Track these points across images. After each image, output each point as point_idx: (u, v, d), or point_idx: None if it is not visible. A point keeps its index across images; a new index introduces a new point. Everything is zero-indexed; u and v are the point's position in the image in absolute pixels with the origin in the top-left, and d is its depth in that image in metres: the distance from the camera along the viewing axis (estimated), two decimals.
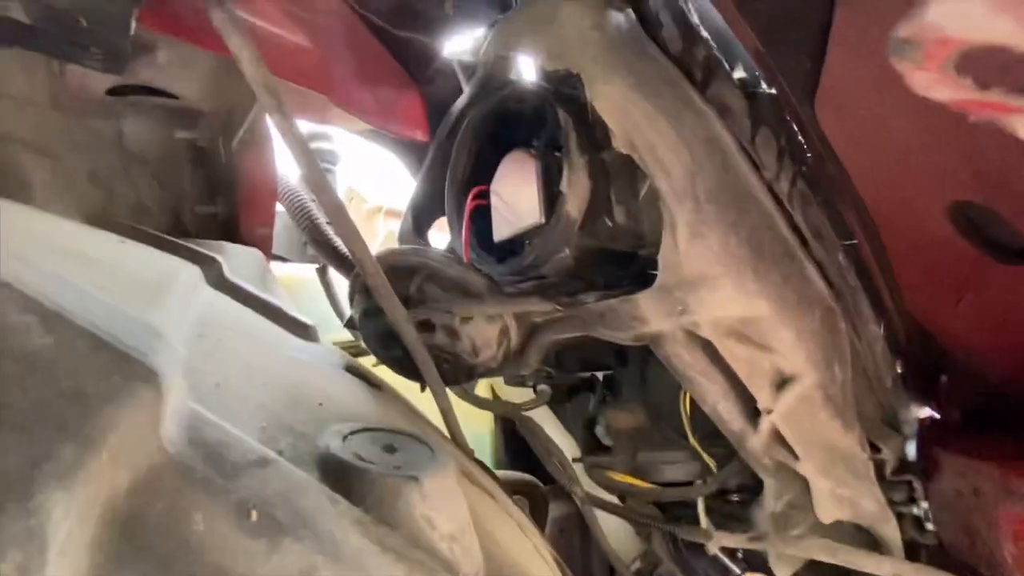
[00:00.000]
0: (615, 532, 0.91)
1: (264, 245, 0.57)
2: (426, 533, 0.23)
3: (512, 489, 0.96)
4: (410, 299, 0.44)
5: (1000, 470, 0.42)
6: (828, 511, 0.51)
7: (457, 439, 0.52)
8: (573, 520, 1.05)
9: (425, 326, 0.46)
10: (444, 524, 0.24)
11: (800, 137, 0.51)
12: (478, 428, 1.16)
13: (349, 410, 0.31)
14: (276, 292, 0.49)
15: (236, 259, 0.47)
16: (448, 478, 0.27)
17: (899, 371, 0.63)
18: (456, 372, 0.49)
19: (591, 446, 0.73)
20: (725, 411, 0.50)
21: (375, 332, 0.47)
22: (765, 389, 0.47)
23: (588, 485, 0.71)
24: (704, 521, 0.63)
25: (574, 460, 0.75)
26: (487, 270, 0.51)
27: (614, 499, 0.69)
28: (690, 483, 0.65)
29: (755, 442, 0.51)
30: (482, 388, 1.15)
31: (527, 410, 0.67)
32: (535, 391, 0.87)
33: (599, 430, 0.72)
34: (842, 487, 0.52)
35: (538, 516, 0.97)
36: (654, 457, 0.71)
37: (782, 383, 0.47)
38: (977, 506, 0.45)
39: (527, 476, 0.94)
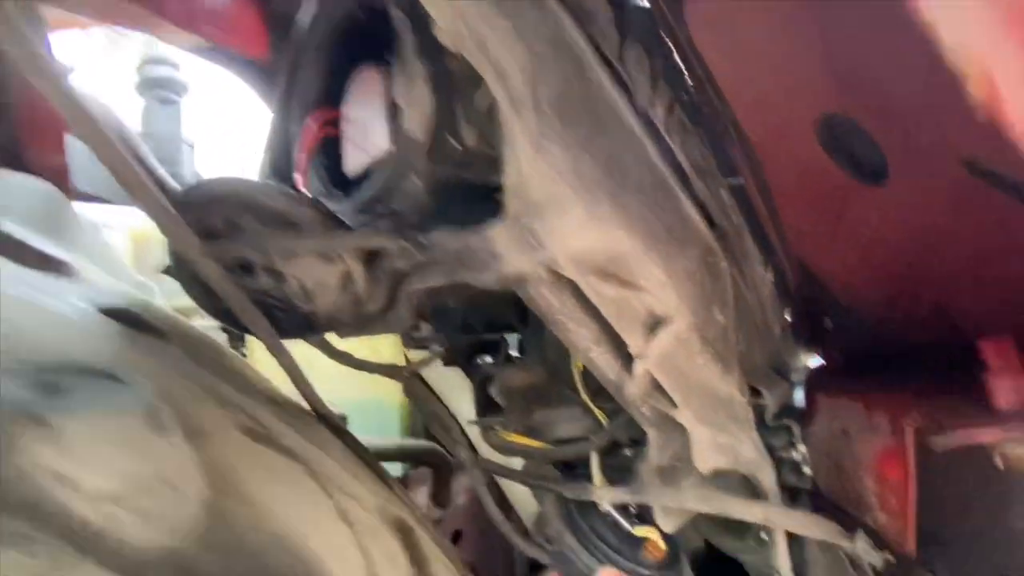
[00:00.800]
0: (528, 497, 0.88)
1: (59, 177, 0.47)
2: (55, 493, 0.17)
3: (415, 458, 0.92)
4: (216, 232, 0.37)
5: (864, 407, 0.41)
6: (707, 460, 0.49)
7: (310, 400, 0.46)
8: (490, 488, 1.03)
9: (246, 269, 0.39)
10: (94, 481, 0.18)
11: (680, 62, 0.47)
12: (388, 397, 1.10)
13: (41, 347, 0.24)
14: (68, 229, 0.41)
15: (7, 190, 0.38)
16: (119, 424, 0.20)
17: (788, 319, 0.62)
18: (292, 322, 0.43)
19: (486, 407, 0.69)
20: (599, 358, 0.46)
21: (189, 277, 0.39)
22: (636, 332, 0.44)
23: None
24: (598, 477, 0.61)
25: (470, 423, 0.72)
26: (335, 207, 0.44)
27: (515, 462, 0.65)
28: (583, 440, 0.63)
29: (632, 390, 0.48)
30: (392, 353, 1.09)
31: (413, 372, 0.62)
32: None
33: (493, 390, 0.68)
34: (722, 434, 0.50)
35: (442, 485, 0.94)
36: (549, 416, 0.68)
37: (654, 326, 0.44)
38: (845, 445, 0.43)
39: (430, 445, 0.90)
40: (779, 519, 0.45)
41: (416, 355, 0.92)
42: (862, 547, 0.43)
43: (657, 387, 0.49)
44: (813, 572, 0.50)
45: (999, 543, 0.36)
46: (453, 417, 0.60)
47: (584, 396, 0.62)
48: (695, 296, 0.46)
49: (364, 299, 0.46)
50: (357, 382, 1.09)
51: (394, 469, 1.07)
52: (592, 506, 0.62)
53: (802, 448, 0.53)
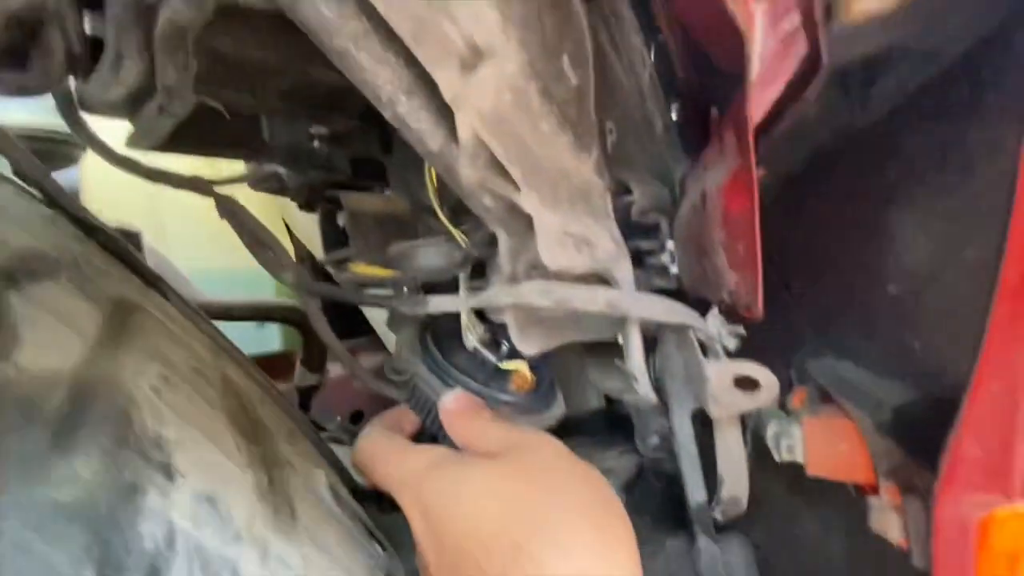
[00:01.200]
0: None
1: None
2: None
3: (274, 316, 0.83)
4: None
5: (717, 139, 0.34)
6: (555, 255, 0.42)
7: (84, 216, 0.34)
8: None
9: None
10: None
11: None
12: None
13: None
14: None
15: None
16: None
17: (674, 117, 0.55)
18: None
19: (336, 240, 0.60)
20: (412, 115, 0.37)
21: None
22: (450, 67, 0.34)
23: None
24: (466, 315, 0.54)
25: (318, 262, 0.62)
26: None
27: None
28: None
29: (466, 168, 0.40)
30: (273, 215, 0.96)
31: (223, 185, 0.51)
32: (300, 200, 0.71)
33: (341, 218, 0.59)
34: (573, 224, 0.42)
35: (312, 346, 0.86)
36: (409, 246, 0.59)
37: (474, 61, 0.34)
38: (703, 208, 0.36)
39: (292, 303, 0.81)
40: (627, 304, 0.39)
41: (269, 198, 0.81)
42: (714, 324, 0.38)
43: (495, 165, 0.40)
44: (669, 375, 0.45)
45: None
46: (275, 238, 0.50)
47: (440, 212, 0.53)
48: (531, 31, 0.36)
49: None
50: (232, 250, 0.97)
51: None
52: (457, 344, 0.55)
53: (670, 245, 0.46)
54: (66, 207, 0.36)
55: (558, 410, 0.58)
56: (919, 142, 0.29)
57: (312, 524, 0.31)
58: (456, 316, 0.55)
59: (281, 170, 0.70)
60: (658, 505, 0.65)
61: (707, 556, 0.46)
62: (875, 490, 0.40)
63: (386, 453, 0.43)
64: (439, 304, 0.46)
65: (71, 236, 0.34)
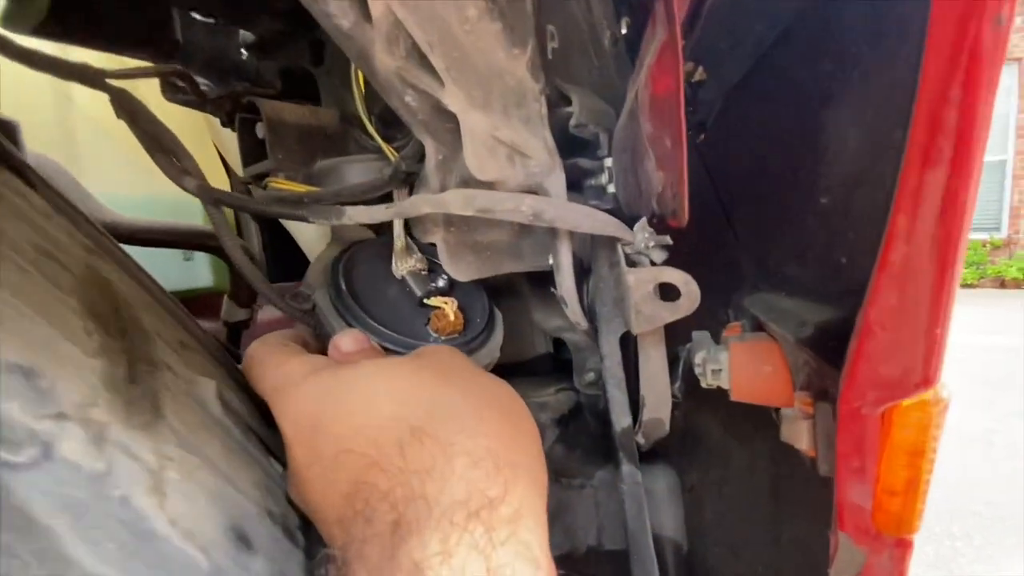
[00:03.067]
0: None
1: None
2: None
3: (188, 242, 0.77)
4: None
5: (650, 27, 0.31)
6: (483, 163, 0.39)
7: None
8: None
9: None
10: None
11: None
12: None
13: None
14: None
15: None
16: None
17: (623, 31, 0.51)
18: None
19: (258, 155, 0.55)
20: None
21: None
22: None
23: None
24: (399, 237, 0.50)
25: (235, 179, 0.57)
26: None
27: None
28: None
29: (382, 54, 0.36)
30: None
31: (117, 78, 0.45)
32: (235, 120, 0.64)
33: (261, 130, 0.54)
34: (503, 129, 0.39)
35: (240, 278, 0.81)
36: (335, 161, 0.55)
37: None
38: (636, 112, 0.34)
39: (208, 228, 0.75)
40: (552, 212, 0.36)
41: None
42: (640, 236, 0.36)
43: (416, 53, 0.36)
44: (600, 299, 0.44)
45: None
46: (178, 141, 0.45)
47: (367, 120, 0.49)
48: None
49: None
50: (154, 178, 0.89)
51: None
52: (379, 274, 0.51)
53: (608, 163, 0.44)
54: None
55: (487, 356, 0.51)
56: (854, 17, 0.27)
57: (185, 428, 0.27)
58: (387, 244, 0.51)
59: (201, 79, 0.63)
60: (591, 441, 0.65)
61: (630, 480, 0.45)
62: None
63: (268, 356, 0.38)
64: (355, 215, 0.42)
65: None
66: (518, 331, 0.76)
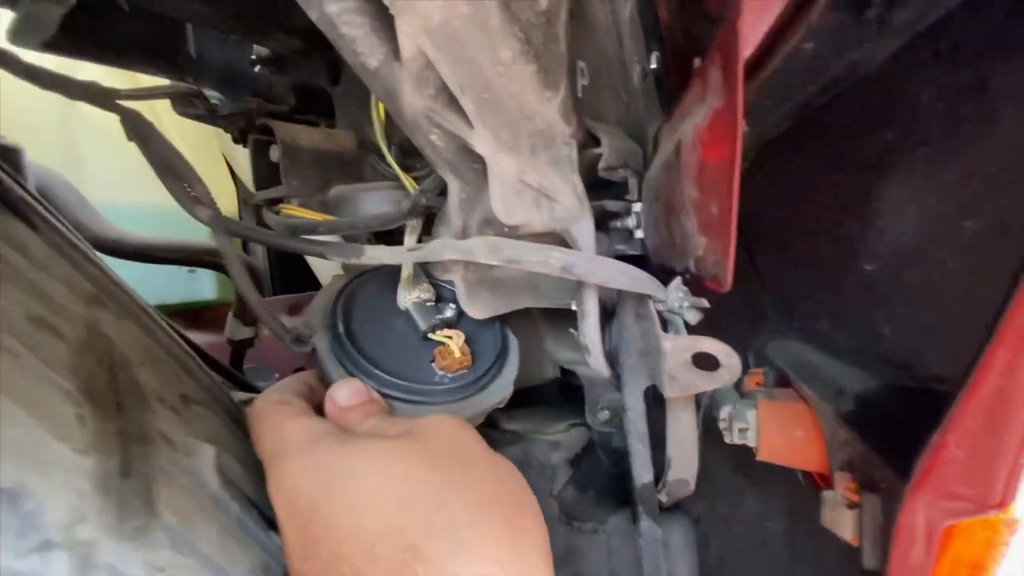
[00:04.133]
0: None
1: None
2: None
3: (192, 259, 0.75)
4: None
5: (698, 80, 0.29)
6: (510, 205, 0.37)
7: None
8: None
9: None
10: None
11: None
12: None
13: None
14: None
15: None
16: None
17: (653, 65, 0.49)
18: None
19: (270, 178, 0.53)
20: (344, 19, 0.30)
21: None
22: None
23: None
24: (407, 269, 0.48)
25: (247, 202, 0.55)
26: None
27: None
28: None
29: (410, 94, 0.34)
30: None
31: (131, 99, 0.44)
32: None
33: (274, 153, 0.52)
34: (532, 172, 0.37)
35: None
36: (351, 189, 0.53)
37: None
38: (675, 161, 0.32)
39: (211, 245, 0.73)
40: (583, 268, 0.35)
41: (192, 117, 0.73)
42: (675, 296, 0.34)
43: (445, 93, 0.35)
44: (624, 348, 0.42)
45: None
46: (190, 167, 0.43)
47: (386, 151, 0.47)
48: None
49: None
50: (159, 188, 0.87)
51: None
52: (389, 305, 0.49)
53: (637, 207, 0.42)
54: None
55: (498, 392, 0.48)
56: (928, 91, 0.25)
57: (179, 521, 0.25)
58: (392, 272, 0.49)
59: (212, 92, 0.62)
60: (604, 481, 0.64)
61: (648, 537, 0.43)
62: (826, 481, 0.38)
63: (268, 417, 0.36)
64: (376, 255, 0.41)
65: None
66: (527, 356, 0.74)
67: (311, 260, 0.82)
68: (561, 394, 0.75)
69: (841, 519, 0.29)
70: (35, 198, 0.33)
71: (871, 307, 0.35)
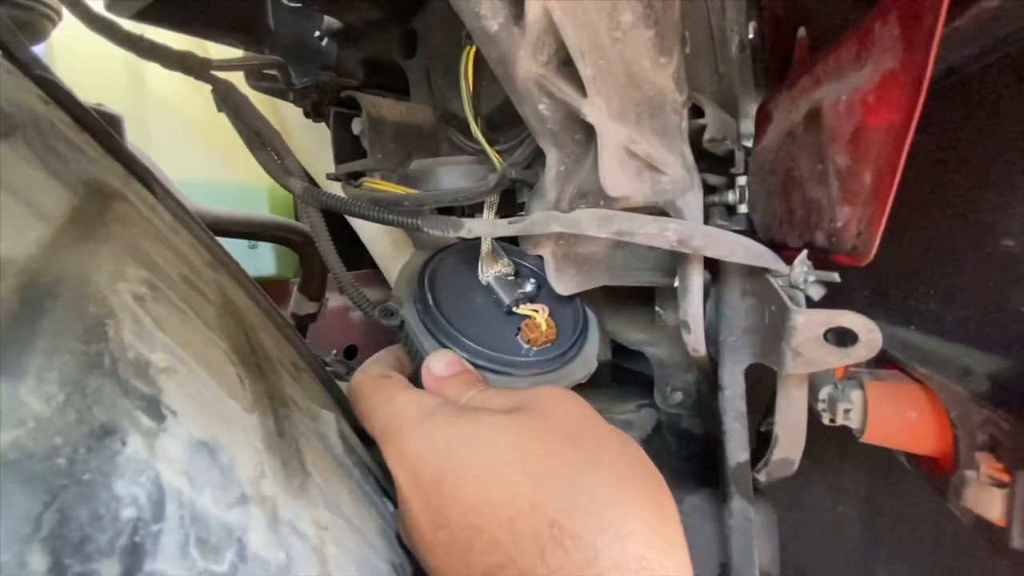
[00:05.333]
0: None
1: None
2: None
3: (268, 235, 0.76)
4: None
5: (856, 36, 0.27)
6: (616, 177, 0.36)
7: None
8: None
9: None
10: None
11: None
12: (258, 180, 0.89)
13: None
14: None
15: None
16: None
17: (752, 36, 0.47)
18: None
19: (351, 152, 0.53)
20: None
21: None
22: None
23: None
24: (487, 243, 0.47)
25: (329, 176, 0.55)
26: None
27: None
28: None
29: (527, 60, 0.33)
30: None
31: (222, 69, 0.43)
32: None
33: (357, 126, 0.51)
34: (641, 142, 0.36)
35: (310, 271, 0.80)
36: (433, 162, 0.52)
37: None
38: (807, 139, 0.30)
39: (287, 221, 0.74)
40: (700, 240, 0.33)
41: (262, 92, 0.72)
42: (800, 271, 0.33)
43: (560, 59, 0.33)
44: (727, 326, 0.41)
45: None
46: (281, 137, 0.42)
47: (474, 123, 0.46)
48: None
49: None
50: (223, 163, 0.88)
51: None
52: (471, 280, 0.48)
53: (742, 181, 0.41)
54: (27, 62, 0.28)
55: (583, 367, 0.47)
56: None
57: (323, 480, 0.25)
58: (471, 248, 0.49)
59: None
60: (673, 462, 0.63)
61: (740, 517, 0.43)
62: (944, 463, 0.37)
63: (375, 391, 0.36)
64: (476, 228, 0.40)
65: (32, 95, 0.26)
66: None
67: (366, 238, 0.82)
68: (615, 378, 0.75)
69: (987, 499, 0.28)
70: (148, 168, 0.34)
71: (1005, 285, 0.33)
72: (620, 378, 0.73)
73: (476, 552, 0.26)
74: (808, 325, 0.30)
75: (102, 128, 0.30)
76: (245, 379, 0.23)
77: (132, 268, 0.21)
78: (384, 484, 0.34)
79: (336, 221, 0.83)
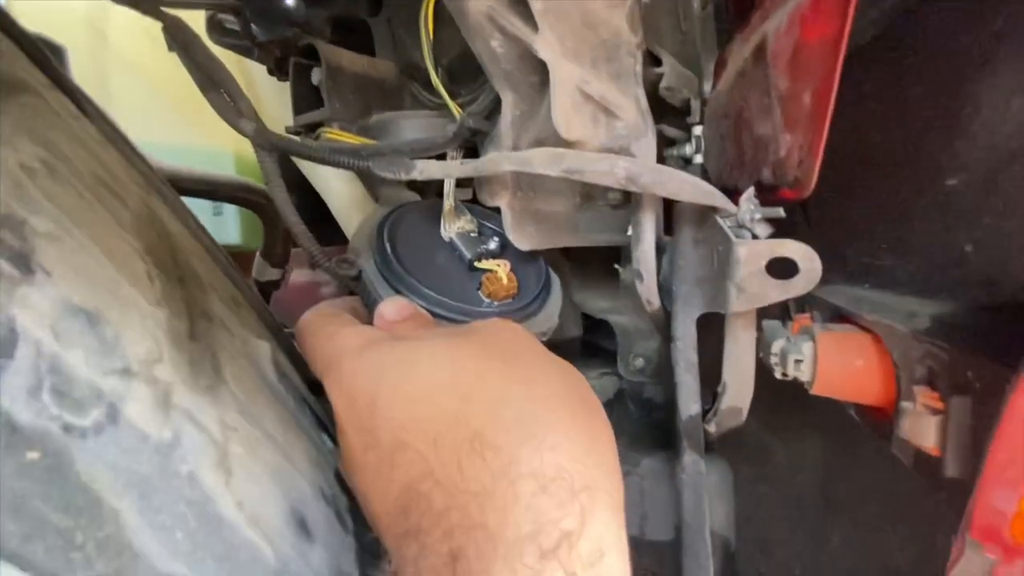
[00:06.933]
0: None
1: None
2: None
3: (224, 195, 0.74)
4: None
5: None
6: (570, 119, 0.36)
7: None
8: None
9: None
10: None
11: None
12: (224, 146, 0.87)
13: None
14: None
15: None
16: None
17: None
18: None
19: (309, 104, 0.52)
20: None
21: None
22: None
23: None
24: (449, 196, 0.47)
25: (288, 129, 0.54)
26: None
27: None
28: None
29: None
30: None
31: (171, 6, 0.42)
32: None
33: (316, 76, 0.50)
34: (594, 81, 0.36)
35: (272, 235, 0.78)
36: (393, 115, 0.51)
37: None
38: (755, 73, 0.30)
39: (246, 181, 0.72)
40: (648, 177, 0.33)
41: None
42: (747, 208, 0.33)
43: None
44: (678, 277, 0.40)
45: None
46: (233, 79, 0.41)
47: (434, 73, 0.45)
48: None
49: None
50: (189, 127, 0.86)
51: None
52: (433, 236, 0.48)
53: (697, 131, 0.41)
54: None
55: (544, 322, 0.47)
56: None
57: (244, 394, 0.24)
58: (433, 206, 0.48)
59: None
60: (634, 428, 0.63)
61: (692, 471, 0.43)
62: (886, 412, 0.37)
63: (320, 328, 0.35)
64: (426, 169, 0.39)
65: None
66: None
67: (334, 206, 0.80)
68: (583, 352, 0.74)
69: (923, 427, 0.28)
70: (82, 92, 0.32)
71: (950, 226, 0.33)
72: (589, 354, 0.73)
73: (399, 467, 0.25)
74: (750, 257, 0.30)
75: (26, 36, 0.29)
76: (156, 279, 0.22)
77: (26, 143, 0.20)
78: (322, 419, 0.33)
79: (311, 198, 0.82)
